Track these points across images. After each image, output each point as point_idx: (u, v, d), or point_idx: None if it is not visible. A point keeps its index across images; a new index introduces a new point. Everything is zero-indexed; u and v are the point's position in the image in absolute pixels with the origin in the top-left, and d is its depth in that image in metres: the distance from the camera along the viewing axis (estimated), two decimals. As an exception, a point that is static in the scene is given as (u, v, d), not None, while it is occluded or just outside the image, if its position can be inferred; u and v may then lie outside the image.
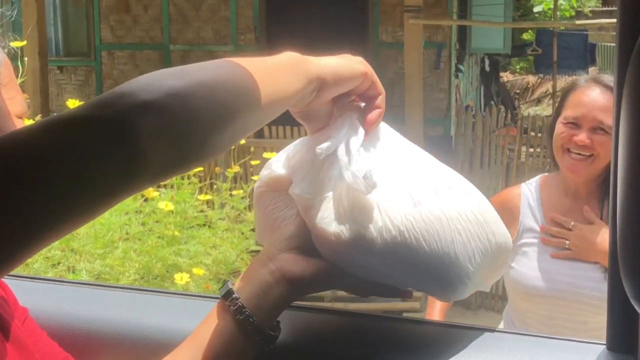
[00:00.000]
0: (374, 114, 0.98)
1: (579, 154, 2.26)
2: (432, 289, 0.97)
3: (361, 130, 0.97)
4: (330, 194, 0.95)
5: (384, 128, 1.02)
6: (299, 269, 0.95)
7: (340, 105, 1.00)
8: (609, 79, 2.31)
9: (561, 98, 2.42)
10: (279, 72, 0.88)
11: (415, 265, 0.94)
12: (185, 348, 0.95)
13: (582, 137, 2.25)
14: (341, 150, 0.94)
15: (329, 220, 0.94)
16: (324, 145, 0.95)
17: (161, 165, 0.71)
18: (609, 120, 2.23)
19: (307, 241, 0.97)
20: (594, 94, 2.29)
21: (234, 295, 0.94)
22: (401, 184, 0.96)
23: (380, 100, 1.00)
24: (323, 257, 0.95)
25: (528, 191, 2.45)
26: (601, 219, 2.30)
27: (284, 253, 0.96)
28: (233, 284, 0.96)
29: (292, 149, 1.04)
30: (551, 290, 2.28)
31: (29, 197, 0.63)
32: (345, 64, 0.96)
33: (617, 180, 0.71)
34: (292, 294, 0.95)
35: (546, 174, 2.56)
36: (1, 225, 0.62)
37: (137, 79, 0.74)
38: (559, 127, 2.32)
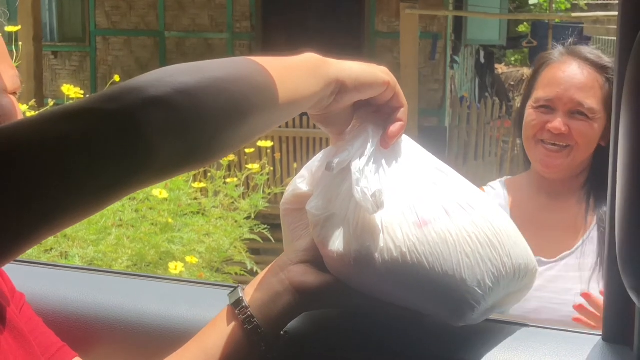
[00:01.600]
0: (395, 127, 0.96)
1: (554, 144, 1.85)
2: (439, 312, 0.94)
3: (377, 143, 0.95)
4: (338, 210, 0.94)
5: (404, 139, 0.99)
6: (309, 280, 0.95)
7: (361, 115, 0.97)
8: (589, 50, 1.93)
9: (531, 76, 1.99)
10: (297, 72, 0.86)
11: (418, 287, 0.92)
12: (190, 350, 0.95)
13: (557, 123, 1.83)
14: (355, 165, 0.92)
15: (333, 237, 0.93)
16: (335, 159, 0.93)
17: (168, 161, 0.70)
18: (589, 101, 1.83)
19: (319, 256, 0.97)
20: (572, 70, 1.88)
21: (243, 304, 0.94)
22: (410, 202, 0.94)
23: (402, 113, 0.97)
24: (331, 272, 0.96)
25: (493, 193, 1.98)
26: (585, 223, 1.86)
27: (296, 264, 0.97)
28: (243, 290, 0.96)
29: (314, 163, 1.03)
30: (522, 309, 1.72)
31: (33, 188, 0.62)
32: (368, 71, 0.94)
33: (616, 173, 0.71)
34: (300, 305, 0.95)
35: (509, 176, 2.11)
36: (6, 216, 0.61)
37: (147, 74, 0.73)
38: (529, 113, 1.90)
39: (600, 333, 0.94)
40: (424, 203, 0.94)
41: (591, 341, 0.94)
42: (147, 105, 0.68)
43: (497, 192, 1.98)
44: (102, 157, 0.65)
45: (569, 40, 2.00)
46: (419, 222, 0.92)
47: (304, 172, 1.03)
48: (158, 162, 0.69)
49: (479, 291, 0.92)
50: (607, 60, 1.89)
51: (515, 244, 0.97)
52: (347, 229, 0.93)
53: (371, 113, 0.97)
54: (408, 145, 0.99)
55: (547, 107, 1.86)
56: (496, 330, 0.99)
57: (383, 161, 0.95)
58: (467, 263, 0.92)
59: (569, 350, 0.93)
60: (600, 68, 1.87)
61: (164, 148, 0.69)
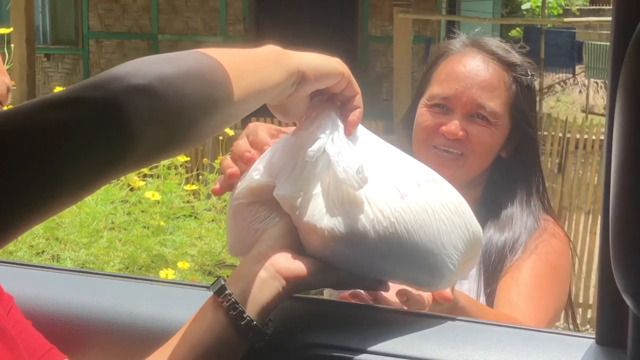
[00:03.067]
0: (355, 114, 1.01)
1: (447, 150, 1.53)
2: (421, 278, 1.00)
3: (342, 128, 1.00)
4: (318, 190, 0.96)
5: (360, 128, 1.04)
6: (294, 265, 0.95)
7: (315, 103, 1.02)
8: (496, 43, 1.63)
9: (427, 68, 1.68)
10: (263, 63, 0.91)
11: (405, 255, 0.97)
12: (175, 342, 0.94)
13: (452, 126, 1.52)
14: (330, 148, 0.97)
15: (319, 216, 0.95)
16: (314, 147, 0.96)
17: (149, 147, 0.73)
18: (493, 103, 1.53)
19: (296, 240, 0.98)
20: (474, 65, 1.57)
21: (227, 291, 0.93)
22: (386, 177, 1.00)
23: (358, 100, 1.03)
24: (310, 254, 0.97)
25: None
26: None
27: (278, 251, 0.96)
28: (225, 280, 0.95)
29: (269, 155, 1.03)
30: None
31: (20, 177, 0.63)
32: (325, 61, 0.98)
33: (609, 177, 0.71)
34: (286, 291, 0.95)
35: None
36: None
37: (126, 63, 0.75)
38: (422, 112, 1.57)
39: (594, 336, 0.94)
40: (399, 178, 1.00)
41: (584, 344, 0.94)
42: (131, 93, 0.71)
43: None
44: (88, 144, 0.67)
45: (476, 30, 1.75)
46: (400, 195, 0.98)
47: (258, 165, 1.03)
48: (140, 148, 0.72)
49: (455, 255, 0.99)
50: (517, 56, 1.62)
51: (470, 213, 1.05)
52: (332, 207, 0.96)
53: (325, 101, 1.02)
54: (364, 131, 1.04)
55: (443, 107, 1.55)
56: (490, 332, 0.99)
57: (353, 144, 1.00)
58: (444, 229, 0.99)
59: (562, 352, 0.93)
60: (508, 65, 1.59)
61: (147, 135, 0.72)
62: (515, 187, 1.56)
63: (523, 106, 1.58)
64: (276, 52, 0.95)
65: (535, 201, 1.58)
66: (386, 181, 0.99)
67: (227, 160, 1.06)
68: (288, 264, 0.95)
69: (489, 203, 1.57)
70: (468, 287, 1.51)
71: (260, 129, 1.08)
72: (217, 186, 1.07)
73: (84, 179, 0.69)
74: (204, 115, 0.80)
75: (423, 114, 1.57)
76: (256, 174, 1.03)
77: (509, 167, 1.58)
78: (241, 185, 1.04)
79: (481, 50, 1.60)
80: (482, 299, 1.49)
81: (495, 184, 1.59)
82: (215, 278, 0.97)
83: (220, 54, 0.86)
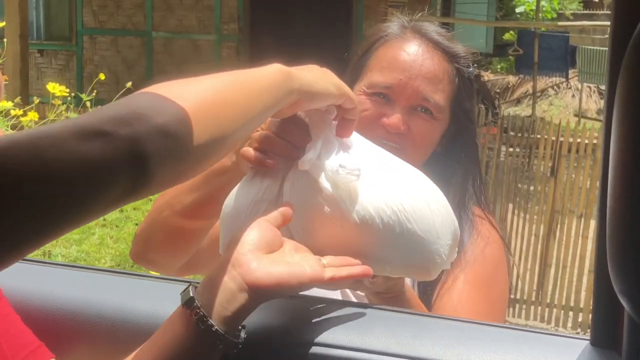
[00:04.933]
0: (348, 124, 1.08)
1: (386, 143, 1.39)
2: (416, 266, 1.07)
3: (335, 141, 1.06)
4: (328, 186, 1.03)
5: (355, 135, 1.11)
6: (262, 277, 0.92)
7: (315, 122, 1.08)
8: (439, 30, 1.53)
9: (362, 52, 1.54)
10: (268, 87, 0.95)
11: (404, 244, 1.04)
12: (145, 353, 0.93)
13: (394, 119, 1.42)
14: (328, 164, 1.04)
15: (336, 207, 1.02)
16: (308, 155, 1.03)
17: (162, 180, 0.79)
18: (438, 96, 1.45)
19: (269, 245, 0.96)
20: (419, 53, 1.46)
21: (195, 304, 0.91)
22: (386, 172, 1.08)
23: (353, 112, 1.08)
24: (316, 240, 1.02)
25: None
26: None
27: (248, 259, 0.94)
28: (195, 289, 0.93)
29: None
30: None
31: (44, 204, 0.69)
32: (323, 84, 1.03)
33: (606, 178, 0.71)
34: (256, 302, 0.93)
35: None
36: (8, 223, 0.66)
37: (147, 95, 0.81)
38: (361, 100, 1.44)
39: (589, 337, 0.94)
40: (398, 172, 1.09)
41: (579, 345, 0.94)
42: (152, 134, 0.76)
43: None
44: (109, 177, 0.73)
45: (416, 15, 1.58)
46: (402, 187, 1.06)
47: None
48: (154, 182, 0.78)
49: (446, 245, 1.07)
50: (460, 47, 1.52)
51: (451, 209, 1.13)
52: (343, 200, 1.02)
53: (324, 121, 1.08)
54: (358, 137, 1.12)
55: (384, 97, 1.45)
56: (483, 332, 0.99)
57: (349, 147, 1.08)
58: (439, 222, 1.07)
59: (556, 354, 0.93)
60: (452, 56, 1.50)
61: (161, 172, 0.78)
62: (450, 182, 1.49)
63: (464, 100, 1.51)
64: (281, 74, 0.97)
65: (471, 198, 1.52)
66: (388, 176, 1.07)
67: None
68: (258, 275, 0.92)
69: None
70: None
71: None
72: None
73: (99, 207, 0.74)
74: (214, 149, 0.86)
75: (363, 102, 1.44)
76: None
77: (444, 161, 1.51)
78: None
79: (423, 37, 1.49)
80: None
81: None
82: (186, 285, 0.95)
83: (230, 82, 0.92)
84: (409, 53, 1.46)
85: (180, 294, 0.94)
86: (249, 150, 1.10)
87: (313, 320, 1.01)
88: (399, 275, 1.09)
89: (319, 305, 1.06)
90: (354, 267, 1.00)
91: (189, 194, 1.34)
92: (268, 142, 1.09)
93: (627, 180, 0.68)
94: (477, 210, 1.52)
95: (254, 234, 0.97)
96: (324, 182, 1.02)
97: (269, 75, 0.96)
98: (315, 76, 1.03)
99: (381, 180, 1.05)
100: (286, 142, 1.09)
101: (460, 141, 1.53)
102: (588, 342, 0.94)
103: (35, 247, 0.70)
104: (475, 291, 1.40)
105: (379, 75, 1.45)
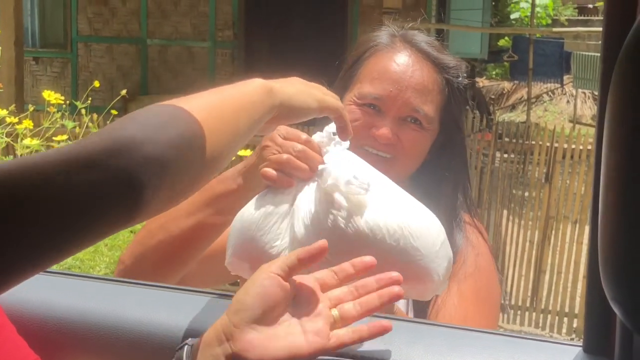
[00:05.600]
0: (344, 131, 1.18)
1: (377, 154, 1.45)
2: (414, 281, 1.11)
3: (344, 160, 1.18)
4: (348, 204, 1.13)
5: (361, 161, 1.22)
6: (254, 356, 0.89)
7: (325, 142, 1.21)
8: (428, 40, 1.54)
9: (352, 61, 1.55)
10: (253, 104, 0.98)
11: (406, 257, 1.10)
12: None
13: (385, 130, 1.43)
14: (341, 177, 1.13)
15: (352, 221, 1.13)
16: (323, 173, 1.15)
17: (156, 206, 0.80)
18: (427, 107, 1.46)
19: (272, 311, 0.92)
20: (408, 64, 1.47)
21: None
22: (390, 194, 1.17)
23: (340, 120, 1.16)
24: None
25: None
26: None
27: (241, 332, 0.90)
28: (191, 347, 0.91)
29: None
30: None
31: (39, 234, 0.69)
32: (303, 98, 1.07)
33: (598, 184, 0.71)
34: None
35: None
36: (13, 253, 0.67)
37: (135, 121, 0.81)
38: (351, 109, 1.46)
39: (581, 344, 0.95)
40: (401, 195, 1.18)
41: (571, 352, 0.94)
42: (146, 164, 0.77)
43: None
44: (103, 206, 0.74)
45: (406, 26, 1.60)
46: (407, 207, 1.15)
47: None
48: (148, 209, 0.79)
49: (444, 266, 1.14)
50: (450, 57, 1.53)
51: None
52: (354, 212, 1.12)
53: (329, 136, 1.21)
54: (356, 159, 1.22)
55: (374, 107, 1.46)
56: (476, 338, 0.99)
57: (356, 169, 1.17)
58: (439, 242, 1.14)
59: (550, 360, 0.93)
60: (441, 67, 1.51)
61: (155, 199, 0.79)
62: (439, 190, 1.51)
63: (454, 109, 1.52)
64: (263, 90, 1.00)
65: (461, 206, 1.54)
66: (393, 196, 1.17)
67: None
68: (249, 355, 0.89)
69: None
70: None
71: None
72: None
73: (92, 235, 0.75)
74: (205, 172, 0.88)
75: (353, 112, 1.45)
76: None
77: (434, 170, 1.53)
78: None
79: (413, 47, 1.50)
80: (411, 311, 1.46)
81: (419, 188, 1.47)
82: (181, 295, 0.95)
83: (215, 102, 0.93)
84: (399, 64, 1.47)
85: (176, 350, 0.93)
86: (271, 172, 1.19)
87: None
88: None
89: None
90: (373, 326, 0.95)
91: (188, 217, 1.35)
92: (289, 165, 1.18)
93: (618, 187, 0.68)
94: (467, 217, 1.55)
95: (258, 302, 0.91)
96: (338, 196, 1.13)
97: (252, 93, 0.98)
98: (296, 91, 1.05)
99: (388, 199, 1.15)
100: (304, 164, 1.19)
101: (450, 150, 1.54)
102: (581, 348, 0.94)
103: (26, 277, 0.70)
104: (471, 306, 1.41)
105: (369, 86, 1.46)
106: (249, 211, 1.19)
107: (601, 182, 0.70)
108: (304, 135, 1.23)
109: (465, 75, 1.54)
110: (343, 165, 1.16)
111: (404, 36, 1.53)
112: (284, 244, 1.16)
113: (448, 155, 1.54)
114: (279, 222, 1.17)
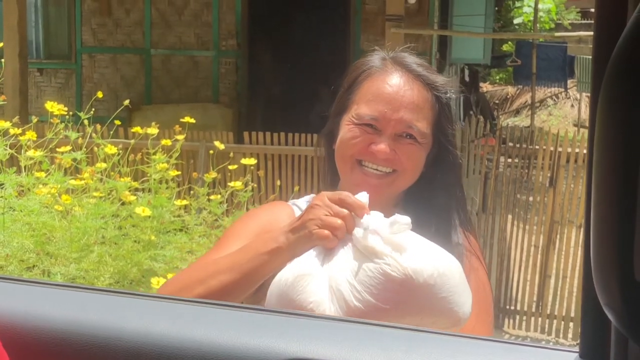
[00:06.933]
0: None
1: (377, 169, 1.58)
2: (442, 321, 1.31)
3: (377, 214, 1.39)
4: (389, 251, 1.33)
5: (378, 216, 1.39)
6: None
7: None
8: (417, 61, 1.66)
9: (348, 84, 1.67)
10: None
11: (441, 302, 1.30)
12: None
13: (383, 146, 1.56)
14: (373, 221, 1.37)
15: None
16: (367, 226, 1.36)
17: None
18: (420, 124, 1.59)
19: None
20: (400, 85, 1.60)
21: None
22: (425, 243, 1.36)
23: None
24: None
25: (300, 212, 1.61)
26: None
27: None
28: None
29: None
30: None
31: None
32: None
33: (590, 190, 0.72)
34: None
35: (314, 194, 1.68)
36: None
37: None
38: (350, 129, 1.60)
39: (577, 350, 0.95)
40: (418, 236, 1.37)
41: (568, 357, 0.94)
42: None
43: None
44: None
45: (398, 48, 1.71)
46: (443, 254, 1.36)
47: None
48: None
49: (467, 306, 1.36)
50: (438, 76, 1.66)
51: None
52: (399, 258, 1.31)
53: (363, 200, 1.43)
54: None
55: (372, 126, 1.58)
56: (472, 346, 0.99)
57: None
58: (466, 289, 1.37)
59: (546, 366, 0.93)
60: (431, 85, 1.62)
61: None
62: (435, 202, 1.64)
63: (444, 124, 1.64)
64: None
65: (456, 218, 1.66)
66: (417, 240, 1.35)
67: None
68: None
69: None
70: None
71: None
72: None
73: None
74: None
75: (352, 131, 1.59)
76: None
77: (429, 182, 1.65)
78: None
79: (403, 68, 1.63)
80: None
81: (413, 201, 1.64)
82: (184, 305, 0.96)
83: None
84: (392, 85, 1.59)
85: None
86: (328, 234, 1.37)
87: (304, 336, 1.02)
88: (425, 325, 1.27)
89: (311, 321, 1.06)
90: None
91: (229, 273, 1.44)
92: (338, 229, 1.38)
93: (608, 191, 0.69)
94: (461, 230, 1.69)
95: None
96: (380, 245, 1.32)
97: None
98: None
99: (416, 244, 1.34)
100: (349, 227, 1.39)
101: (443, 162, 1.66)
102: (577, 354, 0.94)
103: None
104: (474, 318, 1.51)
105: (366, 107, 1.59)
106: (284, 276, 1.36)
107: (593, 186, 0.71)
108: (347, 198, 1.41)
109: (452, 92, 1.67)
110: (372, 216, 1.36)
111: (395, 58, 1.65)
112: (318, 299, 1.32)
113: (442, 168, 1.66)
114: (312, 282, 1.33)
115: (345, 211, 1.39)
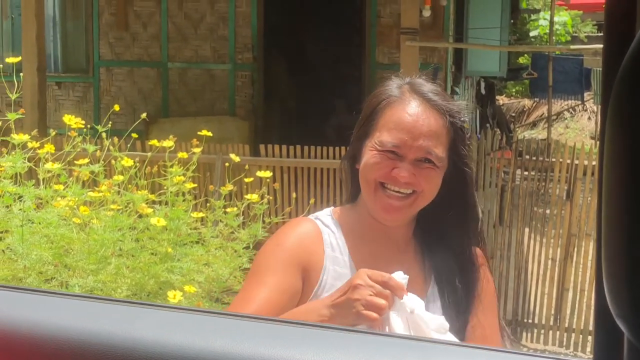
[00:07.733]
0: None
1: (398, 191, 1.74)
2: None
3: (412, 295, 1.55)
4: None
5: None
6: None
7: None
8: (432, 88, 1.81)
9: (369, 112, 1.81)
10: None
11: None
12: None
13: (404, 171, 1.72)
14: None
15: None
16: (411, 306, 1.52)
17: None
18: (438, 150, 1.74)
19: None
20: (418, 114, 1.75)
21: None
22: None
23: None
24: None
25: (325, 228, 1.84)
26: (423, 270, 1.82)
27: None
28: None
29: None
30: None
31: None
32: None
33: (602, 200, 0.72)
34: None
35: (332, 207, 1.94)
36: None
37: None
38: (373, 154, 1.75)
39: (590, 361, 0.95)
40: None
41: (581, 369, 0.95)
42: None
43: (330, 229, 1.84)
44: None
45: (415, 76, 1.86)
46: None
47: None
48: None
49: None
50: (453, 103, 1.80)
51: None
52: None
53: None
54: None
55: (393, 153, 1.73)
56: (482, 357, 0.99)
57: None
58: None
59: (559, 378, 0.93)
60: (445, 112, 1.76)
61: None
62: (447, 218, 1.81)
63: (459, 147, 1.79)
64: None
65: (470, 234, 1.85)
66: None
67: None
68: None
69: (423, 236, 1.85)
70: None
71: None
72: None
73: None
74: None
75: (375, 157, 1.75)
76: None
77: (445, 201, 1.81)
78: None
79: (420, 97, 1.77)
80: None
81: (428, 216, 1.83)
82: (202, 315, 0.96)
83: None
84: (411, 115, 1.74)
85: None
86: (375, 316, 1.48)
87: (320, 347, 1.02)
88: None
89: (326, 332, 1.06)
90: None
91: None
92: (383, 310, 1.49)
93: (618, 202, 0.69)
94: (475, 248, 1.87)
95: None
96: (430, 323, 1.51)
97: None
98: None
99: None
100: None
101: (458, 180, 1.81)
102: (591, 365, 0.94)
103: None
104: (495, 336, 1.74)
105: (387, 135, 1.74)
106: None
107: (604, 198, 0.71)
108: (390, 280, 1.52)
109: (465, 115, 1.83)
110: (410, 297, 1.53)
111: (412, 86, 1.80)
112: None
113: (455, 184, 1.80)
114: None
115: (388, 292, 1.51)
